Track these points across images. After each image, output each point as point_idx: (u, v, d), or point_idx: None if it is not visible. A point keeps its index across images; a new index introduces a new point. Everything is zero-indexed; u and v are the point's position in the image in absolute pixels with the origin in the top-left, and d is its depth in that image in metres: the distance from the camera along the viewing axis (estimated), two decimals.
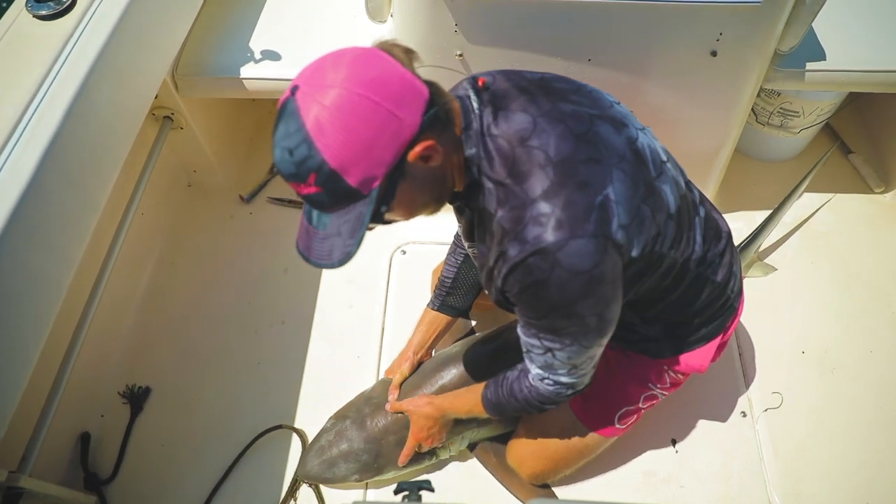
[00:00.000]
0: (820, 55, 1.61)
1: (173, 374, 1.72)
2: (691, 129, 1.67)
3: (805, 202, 2.00)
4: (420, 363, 1.50)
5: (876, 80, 1.64)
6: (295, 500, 1.52)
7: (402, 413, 1.43)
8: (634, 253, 0.94)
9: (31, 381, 1.14)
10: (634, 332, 1.23)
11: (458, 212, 1.13)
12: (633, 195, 0.92)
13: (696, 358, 1.25)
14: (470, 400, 1.27)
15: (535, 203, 0.87)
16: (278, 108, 0.83)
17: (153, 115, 1.78)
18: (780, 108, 1.92)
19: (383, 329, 1.78)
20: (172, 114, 1.80)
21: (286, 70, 1.70)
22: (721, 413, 1.64)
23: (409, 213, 0.94)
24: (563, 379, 1.06)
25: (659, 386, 1.30)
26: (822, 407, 1.65)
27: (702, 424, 1.62)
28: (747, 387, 1.68)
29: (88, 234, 1.31)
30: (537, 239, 0.87)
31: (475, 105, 0.93)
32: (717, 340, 1.25)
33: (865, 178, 2.08)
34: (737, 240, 1.75)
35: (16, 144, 1.14)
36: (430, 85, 0.87)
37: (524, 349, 1.06)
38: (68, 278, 1.24)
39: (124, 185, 1.65)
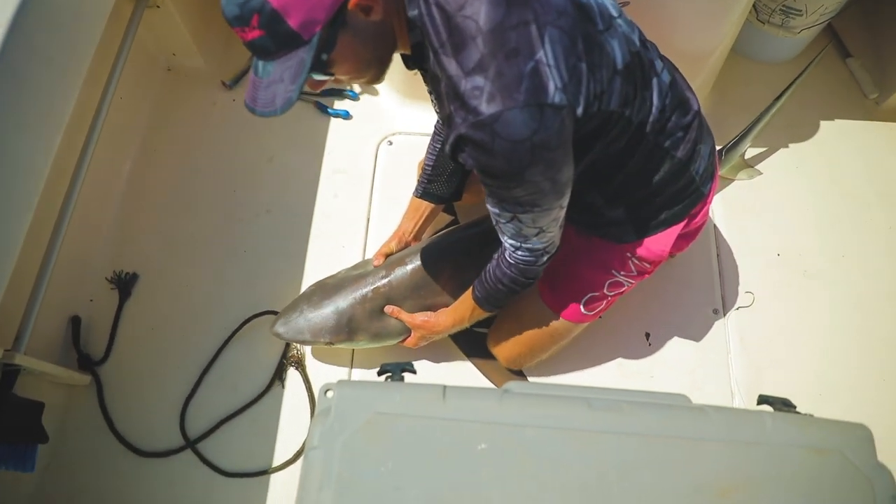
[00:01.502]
0: None
1: (160, 261, 1.74)
2: (689, 23, 1.61)
3: (796, 106, 1.98)
4: (407, 244, 1.53)
5: None
6: (282, 383, 1.59)
7: (383, 282, 1.46)
8: (579, 112, 0.95)
9: (18, 265, 1.15)
10: (599, 216, 1.25)
11: (424, 80, 1.12)
12: (569, 53, 0.92)
13: (656, 243, 1.26)
14: (466, 307, 1.33)
15: (469, 76, 0.89)
16: None
17: None
18: (783, 6, 1.86)
19: (368, 219, 1.79)
20: None
21: None
22: (695, 310, 1.70)
23: (354, 69, 0.97)
24: (536, 245, 1.10)
25: (623, 273, 1.33)
26: (792, 307, 1.71)
27: (675, 320, 1.69)
28: (722, 285, 1.73)
29: (66, 115, 1.27)
30: (475, 111, 0.89)
31: None
32: (680, 226, 1.26)
33: (861, 84, 2.05)
34: (725, 140, 1.76)
35: None
36: None
37: (494, 222, 1.10)
38: (48, 160, 1.22)
39: (100, 67, 1.59)
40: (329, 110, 1.94)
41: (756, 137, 1.83)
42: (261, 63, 0.90)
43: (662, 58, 1.18)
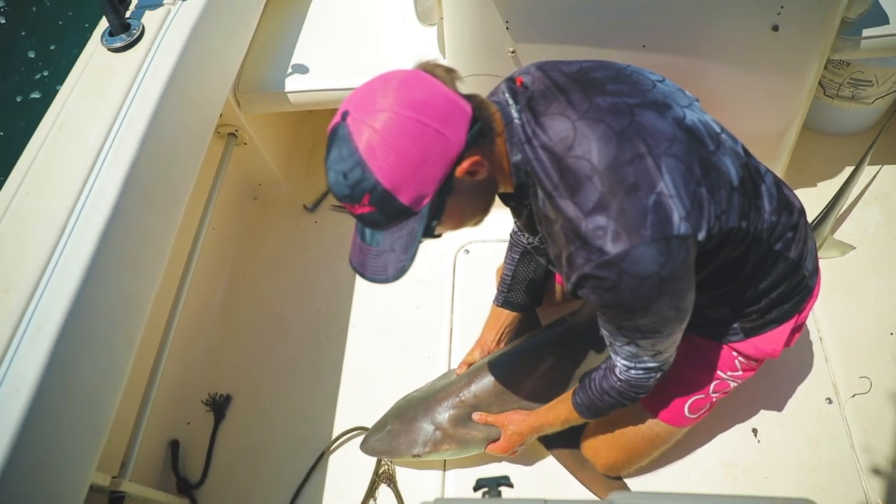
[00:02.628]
0: (888, 18, 1.53)
1: (251, 382, 1.79)
2: (756, 109, 1.61)
3: (886, 174, 1.90)
4: (490, 353, 1.52)
5: None
6: (375, 500, 1.56)
7: (467, 390, 1.44)
8: (701, 237, 0.93)
9: (124, 394, 1.21)
10: (702, 316, 1.19)
11: (515, 212, 1.13)
12: (688, 180, 0.91)
13: (767, 342, 1.20)
14: (563, 410, 1.28)
15: (590, 217, 0.89)
16: (329, 133, 0.87)
17: (218, 132, 1.85)
18: (851, 79, 1.83)
19: (451, 328, 1.80)
20: (236, 130, 1.87)
21: (341, 80, 1.75)
22: (804, 400, 1.58)
23: (459, 224, 0.98)
24: (650, 364, 1.07)
25: (729, 373, 1.26)
26: None
27: (784, 412, 1.56)
28: (831, 372, 1.61)
29: (168, 252, 1.38)
30: (600, 252, 0.88)
31: (515, 112, 0.95)
32: (791, 323, 1.20)
33: None
34: (809, 218, 1.70)
35: (99, 172, 1.22)
36: (472, 99, 0.90)
37: (607, 343, 1.07)
38: (152, 294, 1.31)
39: (196, 202, 1.73)
40: None
41: (844, 210, 1.75)
42: (368, 231, 0.91)
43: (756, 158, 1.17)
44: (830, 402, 1.56)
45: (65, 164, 1.23)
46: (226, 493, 1.62)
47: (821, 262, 1.75)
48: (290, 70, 1.78)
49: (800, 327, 1.26)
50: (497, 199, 1.03)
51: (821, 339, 1.66)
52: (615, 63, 1.05)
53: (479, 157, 0.87)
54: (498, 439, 1.43)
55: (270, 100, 1.80)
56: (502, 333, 1.53)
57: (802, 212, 1.16)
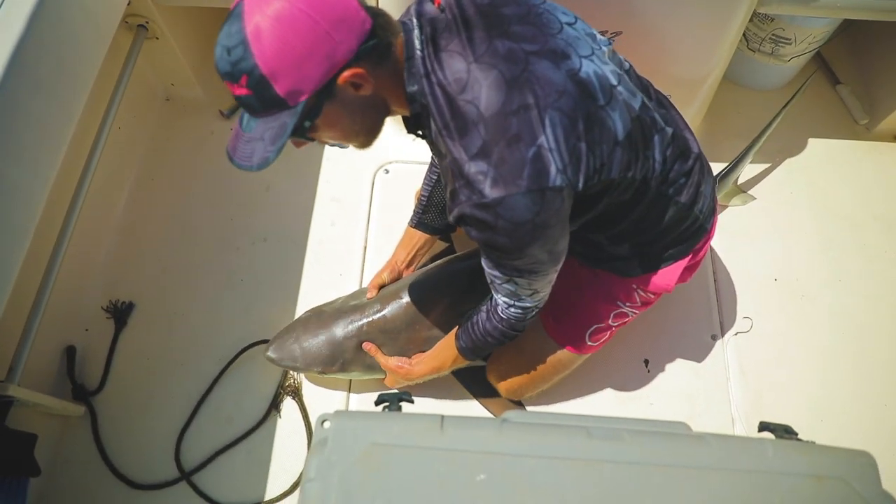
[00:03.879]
0: None
1: (156, 290, 1.73)
2: (681, 52, 1.64)
3: (789, 133, 2.00)
4: (400, 274, 1.54)
5: (873, 6, 1.59)
6: (279, 412, 1.57)
7: (378, 315, 1.46)
8: (579, 187, 0.97)
9: (13, 295, 1.14)
10: (602, 251, 1.26)
11: (426, 141, 1.13)
12: (569, 134, 0.94)
13: (662, 277, 1.27)
14: (447, 356, 1.34)
15: (473, 161, 0.92)
16: (230, 10, 0.86)
17: (126, 23, 1.70)
18: (773, 35, 1.89)
19: (366, 247, 1.80)
20: (147, 22, 1.72)
21: None
22: (693, 336, 1.70)
23: (339, 136, 1.00)
24: (527, 303, 1.13)
25: (628, 304, 1.33)
26: (789, 332, 1.71)
27: (674, 346, 1.68)
28: (720, 311, 1.73)
29: (64, 145, 1.27)
30: (480, 194, 0.92)
31: (418, 43, 0.95)
32: (685, 261, 1.27)
33: (851, 110, 2.08)
34: (719, 167, 1.78)
35: None
36: (378, 17, 0.91)
37: (488, 280, 1.12)
38: (45, 190, 1.22)
39: (99, 97, 1.60)
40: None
41: (749, 164, 1.85)
42: (246, 116, 0.92)
43: (661, 103, 1.19)
44: (715, 338, 1.69)
45: None
46: (125, 402, 1.59)
47: (724, 210, 1.87)
48: None
49: (695, 265, 1.34)
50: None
51: (714, 280, 1.77)
52: None
53: (363, 70, 0.89)
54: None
55: None
56: (414, 255, 1.54)
57: (698, 157, 1.20)
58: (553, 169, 0.92)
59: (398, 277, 1.54)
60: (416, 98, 0.97)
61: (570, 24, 1.04)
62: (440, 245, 1.66)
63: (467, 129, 0.93)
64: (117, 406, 1.58)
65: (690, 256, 1.27)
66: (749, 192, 1.92)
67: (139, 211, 1.85)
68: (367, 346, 1.45)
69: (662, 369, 1.65)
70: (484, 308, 1.22)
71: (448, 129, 0.95)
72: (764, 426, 0.78)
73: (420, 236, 1.52)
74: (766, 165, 1.97)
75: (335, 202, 1.87)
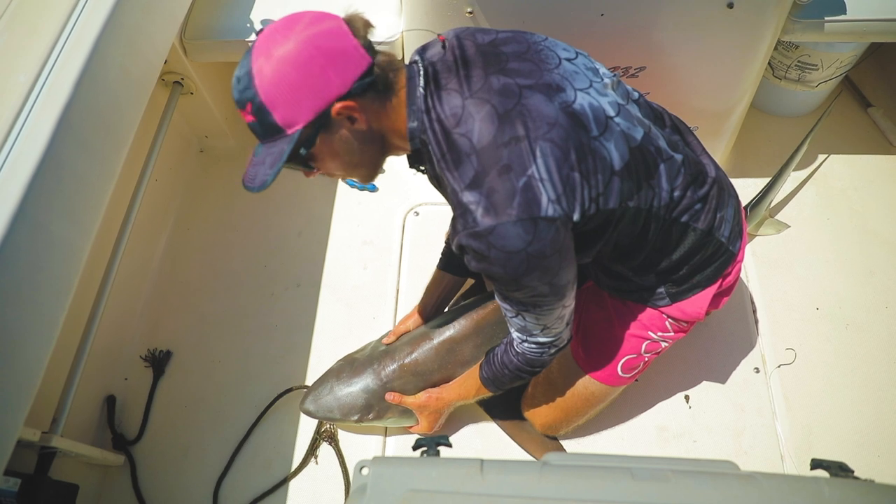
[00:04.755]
0: (839, 5, 1.57)
1: (193, 338, 1.76)
2: (706, 84, 1.64)
3: (823, 158, 1.98)
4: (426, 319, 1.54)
5: None
6: (316, 458, 1.56)
7: (409, 359, 1.46)
8: (576, 217, 0.98)
9: (57, 347, 1.17)
10: (629, 282, 1.25)
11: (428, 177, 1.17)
12: (562, 164, 0.95)
13: (692, 305, 1.25)
14: (472, 385, 1.35)
15: (467, 190, 0.96)
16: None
17: (163, 80, 1.78)
18: (798, 62, 1.88)
19: (398, 290, 1.80)
20: (182, 79, 1.79)
21: None
22: (734, 369, 1.65)
23: (339, 168, 1.04)
24: (541, 339, 1.14)
25: (660, 334, 1.31)
26: (835, 363, 1.65)
27: (715, 380, 1.63)
28: (761, 343, 1.69)
29: (105, 201, 1.32)
30: (473, 223, 0.95)
31: (421, 81, 1.00)
32: (714, 287, 1.25)
33: (884, 133, 2.04)
34: (750, 196, 1.76)
35: (30, 112, 1.15)
36: (381, 56, 0.96)
37: (503, 312, 1.13)
38: (88, 244, 1.26)
39: (138, 151, 1.66)
40: (355, 183, 1.99)
41: (781, 191, 1.82)
42: (258, 144, 0.99)
43: (677, 129, 1.20)
44: (758, 371, 1.64)
45: None
46: (164, 450, 1.60)
47: (758, 239, 1.84)
48: (239, 18, 1.70)
49: (727, 291, 1.31)
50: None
51: (753, 311, 1.73)
52: (532, 36, 1.09)
53: (355, 104, 0.94)
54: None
55: (219, 48, 1.73)
56: (442, 297, 1.54)
57: (715, 181, 1.18)
58: (544, 199, 0.94)
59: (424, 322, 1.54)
60: (416, 134, 1.01)
61: (569, 60, 1.07)
62: (468, 282, 1.66)
63: (461, 160, 0.96)
64: (156, 454, 1.59)
65: (720, 282, 1.25)
66: (783, 219, 1.89)
67: (176, 260, 1.89)
68: (388, 396, 1.45)
69: (704, 405, 1.61)
70: (505, 341, 1.23)
71: (445, 161, 0.99)
72: (817, 463, 0.75)
73: (449, 278, 1.52)
74: (800, 192, 1.94)
75: (367, 245, 1.89)
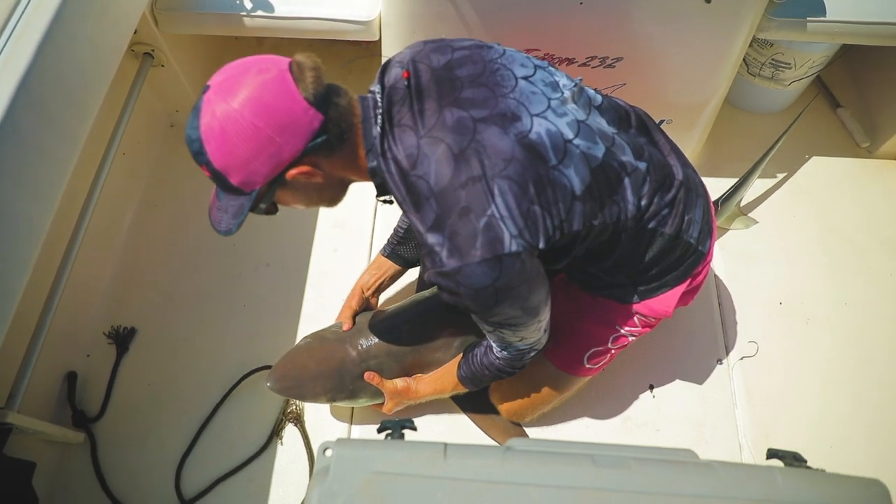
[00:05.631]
0: (815, 5, 1.59)
1: (158, 316, 1.73)
2: (682, 77, 1.65)
3: (791, 156, 2.01)
4: (366, 301, 1.54)
5: (871, 32, 1.62)
6: (281, 439, 1.56)
7: (378, 340, 1.44)
8: (542, 245, 1.00)
9: (15, 321, 1.14)
10: (600, 279, 1.27)
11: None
12: (521, 200, 0.96)
13: (661, 303, 1.27)
14: (448, 381, 1.36)
15: (430, 232, 0.98)
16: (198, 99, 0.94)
17: (132, 51, 1.73)
18: (772, 59, 1.91)
19: None
20: (153, 50, 1.75)
21: (271, 6, 1.65)
22: (698, 360, 1.68)
23: (303, 206, 1.07)
24: (520, 346, 1.16)
25: (627, 328, 1.32)
26: (796, 356, 1.70)
27: (679, 371, 1.66)
28: (725, 335, 1.72)
29: (68, 173, 1.28)
30: (440, 262, 0.97)
31: (377, 120, 0.99)
32: (683, 286, 1.27)
33: (852, 133, 2.09)
34: (720, 191, 1.78)
35: None
36: (334, 107, 0.94)
37: (480, 328, 1.15)
38: (48, 218, 1.22)
39: (104, 124, 1.62)
40: None
41: (751, 187, 1.85)
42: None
43: (644, 128, 1.19)
44: (721, 362, 1.68)
45: None
46: (126, 428, 1.57)
47: (727, 234, 1.87)
48: None
49: (696, 289, 1.33)
50: None
51: (718, 304, 1.76)
52: (489, 52, 1.07)
53: (309, 167, 0.95)
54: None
55: (192, 20, 1.69)
56: (381, 283, 1.54)
57: (682, 184, 1.18)
58: (506, 236, 0.95)
59: (366, 305, 1.54)
60: (377, 172, 1.01)
61: (526, 78, 1.05)
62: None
63: (421, 203, 0.97)
64: (118, 433, 1.57)
65: (689, 281, 1.27)
66: (752, 215, 1.92)
67: (142, 236, 1.86)
68: (368, 375, 1.43)
69: (668, 394, 1.64)
70: (484, 342, 1.24)
71: (406, 204, 1.00)
72: (772, 453, 0.76)
73: (390, 266, 1.53)
74: (769, 189, 1.98)
75: (338, 228, 1.87)
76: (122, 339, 1.67)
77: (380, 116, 0.99)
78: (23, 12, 1.19)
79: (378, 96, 1.01)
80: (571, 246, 1.09)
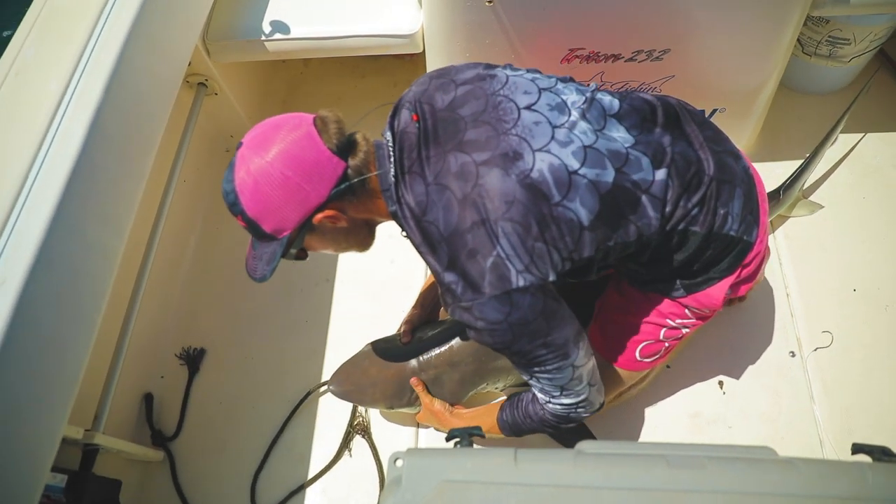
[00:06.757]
0: None
1: (225, 335, 1.79)
2: (732, 64, 1.60)
3: (856, 135, 1.92)
4: (428, 311, 1.55)
5: None
6: (350, 451, 1.58)
7: (444, 347, 1.45)
8: (552, 278, 1.02)
9: (95, 347, 1.20)
10: (643, 275, 1.25)
11: None
12: (525, 238, 0.99)
13: (707, 297, 1.23)
14: (487, 421, 1.32)
15: (445, 272, 1.04)
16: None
17: (187, 82, 1.80)
18: (829, 37, 1.83)
19: (425, 282, 1.80)
20: (206, 80, 1.82)
21: (314, 29, 1.70)
22: (769, 353, 1.62)
23: (332, 251, 1.16)
24: (565, 400, 1.14)
25: (678, 321, 1.29)
26: (874, 345, 1.61)
27: (749, 365, 1.61)
28: (796, 326, 1.65)
29: (137, 202, 1.34)
30: (458, 298, 1.03)
31: (391, 169, 1.06)
32: (731, 278, 1.22)
33: None
34: (780, 179, 1.72)
35: (62, 118, 1.17)
36: (355, 156, 1.02)
37: None
38: (122, 246, 1.28)
39: (165, 153, 1.69)
40: None
41: (815, 171, 1.78)
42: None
43: (673, 121, 1.14)
44: (794, 355, 1.61)
45: (23, 113, 1.19)
46: (201, 446, 1.63)
47: (791, 221, 1.80)
48: (262, 17, 1.72)
49: (748, 279, 1.26)
50: None
51: (787, 294, 1.70)
52: (492, 83, 1.09)
53: (335, 211, 1.03)
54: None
55: (241, 48, 1.74)
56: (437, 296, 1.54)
57: (712, 180, 1.12)
58: (513, 273, 0.99)
59: (428, 315, 1.54)
60: (398, 215, 1.09)
61: (530, 107, 1.06)
62: None
63: (435, 247, 1.04)
64: (194, 450, 1.62)
65: (738, 272, 1.22)
66: (816, 200, 1.84)
67: (206, 259, 1.92)
68: (414, 381, 1.45)
69: (738, 390, 1.58)
70: (533, 391, 1.21)
71: (423, 247, 1.07)
72: (858, 448, 0.73)
73: None
74: (833, 171, 1.89)
75: (394, 239, 1.88)
76: (192, 359, 1.73)
77: (392, 166, 1.06)
78: (90, 54, 1.26)
79: (389, 145, 1.08)
80: (589, 266, 1.11)
